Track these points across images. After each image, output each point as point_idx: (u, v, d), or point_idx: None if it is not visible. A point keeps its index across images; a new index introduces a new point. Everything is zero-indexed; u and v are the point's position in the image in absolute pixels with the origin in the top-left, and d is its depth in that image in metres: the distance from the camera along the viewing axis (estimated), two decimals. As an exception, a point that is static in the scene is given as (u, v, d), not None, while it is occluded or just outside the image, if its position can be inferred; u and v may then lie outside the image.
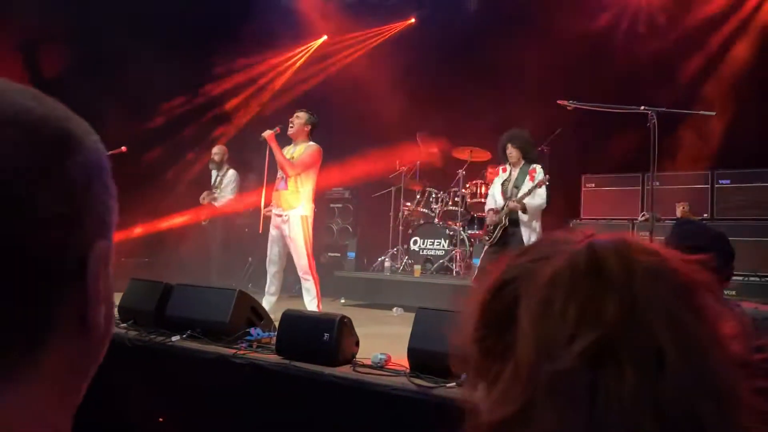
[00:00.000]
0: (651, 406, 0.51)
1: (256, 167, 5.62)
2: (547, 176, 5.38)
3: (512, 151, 5.59)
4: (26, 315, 0.48)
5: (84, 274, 0.51)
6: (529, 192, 5.34)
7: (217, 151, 7.28)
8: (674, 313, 0.54)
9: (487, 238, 5.67)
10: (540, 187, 5.34)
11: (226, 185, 7.16)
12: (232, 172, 7.24)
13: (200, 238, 7.17)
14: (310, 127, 5.54)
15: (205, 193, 7.21)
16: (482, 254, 5.87)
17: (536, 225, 5.44)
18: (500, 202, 5.66)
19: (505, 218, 5.45)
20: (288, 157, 5.43)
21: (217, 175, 7.27)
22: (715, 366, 0.54)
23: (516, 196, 5.45)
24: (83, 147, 0.52)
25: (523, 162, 5.61)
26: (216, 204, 7.15)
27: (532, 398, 0.54)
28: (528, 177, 5.49)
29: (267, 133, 5.40)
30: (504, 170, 5.82)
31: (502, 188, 5.69)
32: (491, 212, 5.65)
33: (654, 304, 0.54)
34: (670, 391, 0.51)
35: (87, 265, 0.51)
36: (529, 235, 5.36)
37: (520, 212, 5.35)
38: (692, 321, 0.55)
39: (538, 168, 5.56)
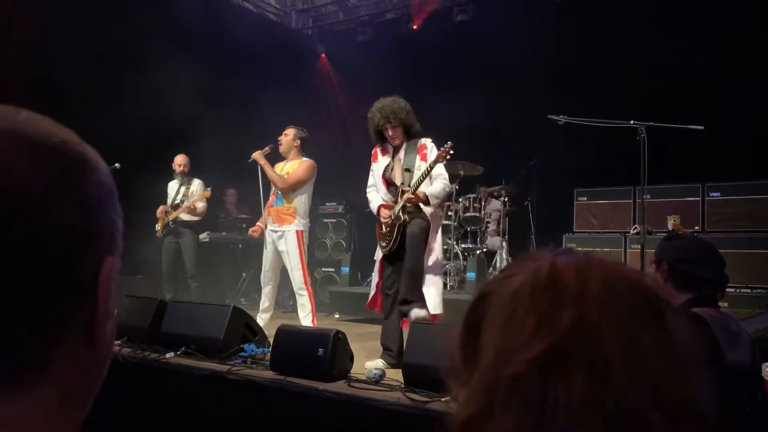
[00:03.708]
0: (598, 413, 0.54)
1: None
2: (450, 144, 4.06)
3: (395, 133, 4.32)
4: (38, 324, 0.51)
5: (95, 287, 0.54)
6: (427, 173, 4.11)
7: (181, 162, 6.87)
8: (624, 324, 0.58)
9: (384, 244, 4.31)
10: (441, 161, 4.07)
11: (194, 193, 6.78)
12: (198, 181, 6.87)
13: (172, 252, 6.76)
14: (299, 141, 5.59)
15: (162, 208, 6.74)
16: (379, 262, 4.47)
17: (430, 210, 4.27)
18: (385, 195, 4.44)
19: (403, 213, 4.17)
20: (282, 173, 5.47)
21: (180, 186, 6.86)
22: (664, 378, 0.56)
23: (409, 182, 4.23)
24: (98, 169, 0.57)
25: (407, 139, 4.40)
26: (185, 216, 6.72)
27: (492, 401, 0.58)
28: (418, 156, 4.31)
29: (256, 154, 5.47)
30: (384, 153, 4.50)
31: (385, 176, 4.43)
32: (383, 209, 4.37)
33: (605, 316, 0.57)
34: (616, 400, 0.54)
35: (98, 279, 0.54)
36: (419, 226, 4.18)
37: (422, 205, 4.20)
38: (642, 333, 0.58)
39: (428, 142, 4.35)
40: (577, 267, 0.61)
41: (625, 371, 0.55)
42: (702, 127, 4.28)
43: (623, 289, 0.60)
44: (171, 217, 6.68)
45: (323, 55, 10.56)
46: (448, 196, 7.39)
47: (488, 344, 0.61)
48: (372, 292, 4.48)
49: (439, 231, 4.46)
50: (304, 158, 5.59)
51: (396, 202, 4.28)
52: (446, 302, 6.38)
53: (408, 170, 4.29)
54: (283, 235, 5.38)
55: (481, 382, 0.60)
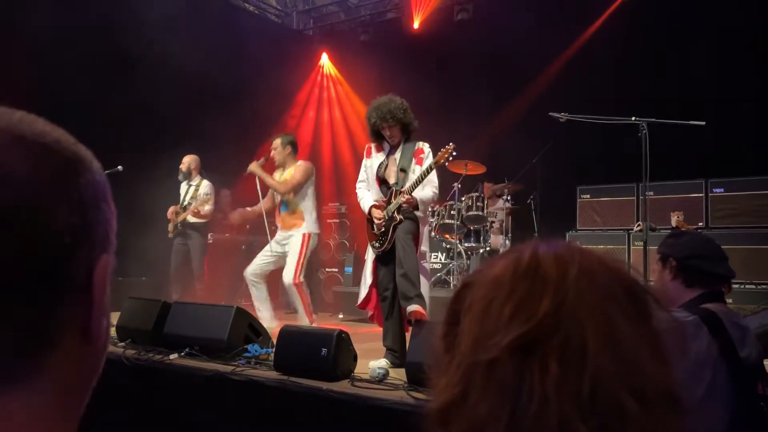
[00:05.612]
0: (573, 399, 0.54)
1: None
2: (452, 146, 4.03)
3: (393, 132, 4.25)
4: (34, 321, 0.51)
5: (90, 285, 0.55)
6: (424, 177, 4.05)
7: (188, 160, 6.77)
8: (601, 310, 0.57)
9: (377, 244, 4.26)
10: (442, 161, 4.04)
11: (201, 196, 6.70)
12: (207, 182, 6.78)
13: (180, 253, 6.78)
14: (290, 147, 5.61)
15: (173, 209, 6.74)
16: (371, 262, 4.40)
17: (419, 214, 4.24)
18: (378, 193, 4.38)
19: (398, 213, 4.13)
20: (280, 180, 5.53)
21: (189, 187, 6.79)
22: (641, 364, 0.56)
23: (404, 183, 4.19)
24: (92, 168, 0.57)
25: (404, 140, 4.34)
26: (191, 218, 6.69)
27: (468, 386, 0.58)
28: (414, 160, 4.27)
29: (252, 165, 5.54)
30: (378, 149, 4.43)
31: (378, 174, 4.35)
32: (374, 210, 4.29)
33: (582, 301, 0.58)
34: (591, 385, 0.54)
35: (93, 277, 0.55)
36: (410, 228, 4.13)
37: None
38: (619, 319, 0.57)
39: (425, 147, 4.31)
40: (557, 255, 0.62)
41: (601, 356, 0.55)
42: (704, 123, 4.26)
43: (602, 276, 0.60)
44: (179, 219, 6.69)
45: (325, 55, 10.57)
46: (451, 196, 7.40)
47: (467, 331, 0.61)
48: (364, 293, 4.42)
49: (426, 234, 4.41)
50: (299, 162, 5.63)
51: (388, 201, 4.25)
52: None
53: (403, 170, 4.24)
54: (291, 237, 5.45)
55: (458, 368, 0.60)
